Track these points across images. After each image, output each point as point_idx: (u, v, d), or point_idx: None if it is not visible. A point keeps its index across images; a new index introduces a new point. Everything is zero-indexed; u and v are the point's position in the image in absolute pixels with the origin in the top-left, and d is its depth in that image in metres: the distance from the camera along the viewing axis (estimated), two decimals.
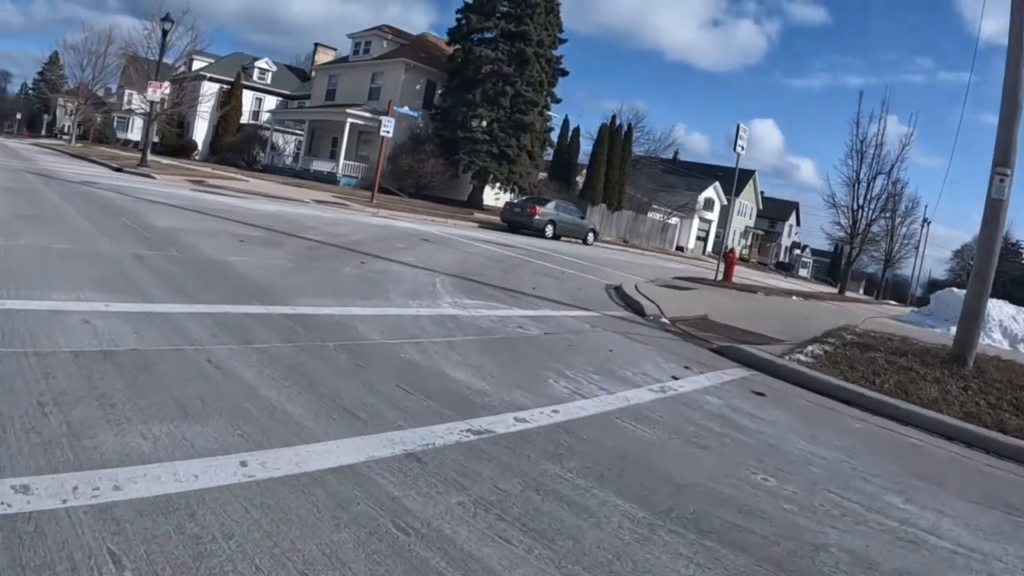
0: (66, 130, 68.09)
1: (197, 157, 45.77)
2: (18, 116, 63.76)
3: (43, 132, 62.97)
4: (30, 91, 71.70)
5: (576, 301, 8.65)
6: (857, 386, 5.83)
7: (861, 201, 26.82)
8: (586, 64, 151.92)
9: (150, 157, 28.89)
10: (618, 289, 10.78)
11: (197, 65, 48.45)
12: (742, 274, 32.20)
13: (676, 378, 5.20)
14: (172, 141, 46.52)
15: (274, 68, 52.49)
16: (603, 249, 27.91)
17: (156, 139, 51.80)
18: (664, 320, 8.45)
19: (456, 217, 26.40)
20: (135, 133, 56.40)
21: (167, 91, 24.44)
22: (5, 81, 75.97)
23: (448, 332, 5.38)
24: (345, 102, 37.79)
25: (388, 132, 24.45)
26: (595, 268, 15.02)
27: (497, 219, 28.05)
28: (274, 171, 38.20)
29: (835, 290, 34.24)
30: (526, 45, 33.18)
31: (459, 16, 34.52)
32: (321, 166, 37.37)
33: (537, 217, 26.28)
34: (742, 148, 15.83)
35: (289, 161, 41.15)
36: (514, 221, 26.97)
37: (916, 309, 24.09)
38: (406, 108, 28.32)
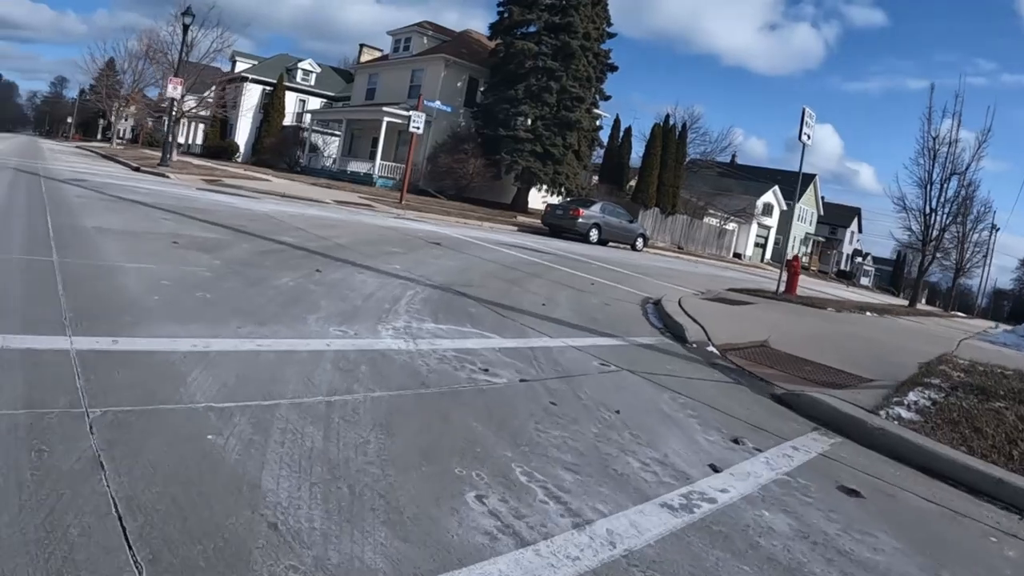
0: (120, 134, 69.02)
1: (239, 159, 45.08)
2: (69, 120, 64.66)
3: (98, 136, 63.65)
4: (86, 97, 72.94)
5: (594, 323, 6.59)
6: (992, 465, 3.69)
7: (934, 204, 23.84)
8: (640, 68, 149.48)
9: (178, 157, 27.94)
10: (657, 304, 8.68)
11: (240, 67, 47.86)
12: (803, 284, 29.45)
13: (717, 469, 3.11)
14: (215, 143, 45.95)
15: (318, 70, 51.57)
16: (653, 256, 25.67)
17: (199, 141, 51.55)
18: (711, 349, 6.34)
19: (495, 220, 24.51)
20: (188, 136, 56.36)
21: (180, 89, 23.08)
22: (62, 87, 77.45)
23: (350, 383, 3.41)
24: (384, 101, 36.36)
25: (418, 128, 22.70)
26: (635, 278, 12.89)
27: (540, 223, 26.13)
28: (312, 172, 37.03)
29: (902, 301, 31.24)
30: (571, 38, 31.11)
31: (500, 9, 32.73)
32: (358, 167, 36.01)
33: (580, 220, 24.21)
34: (808, 137, 13.47)
35: (329, 163, 39.90)
36: (556, 224, 24.97)
37: (1010, 328, 21.18)
38: (438, 102, 26.56)
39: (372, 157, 35.41)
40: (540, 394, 3.77)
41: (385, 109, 32.97)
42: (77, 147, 40.78)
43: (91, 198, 10.32)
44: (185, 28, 23.37)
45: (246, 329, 4.09)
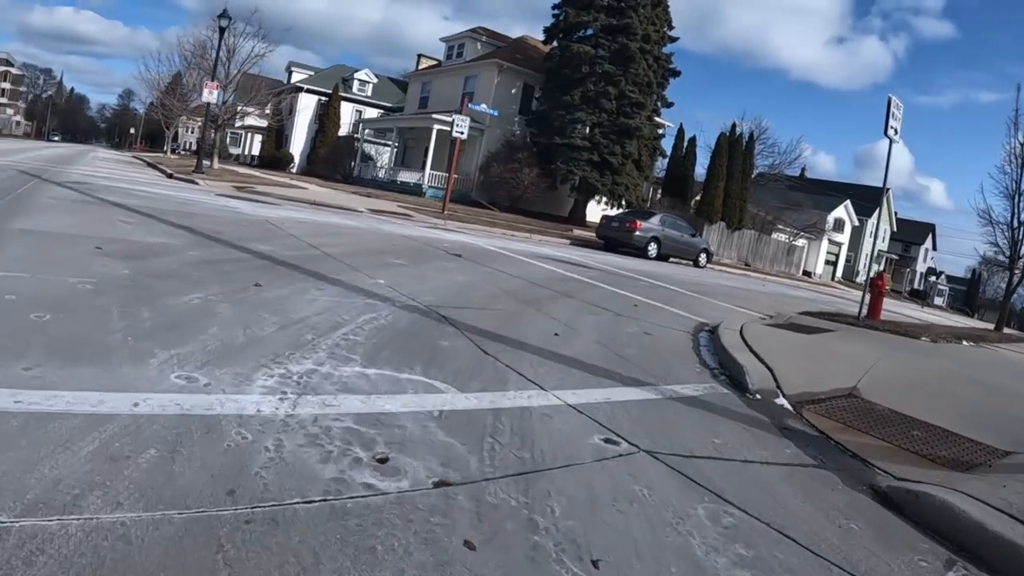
0: (185, 146, 70.25)
1: (293, 169, 44.68)
2: (131, 131, 66.18)
3: (165, 147, 64.84)
4: (152, 109, 74.84)
5: (620, 362, 4.83)
6: None
7: (1022, 217, 20.92)
8: (705, 83, 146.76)
9: (221, 165, 27.29)
10: (713, 333, 6.87)
11: (297, 77, 47.60)
12: (855, 297, 26.60)
13: None
14: (269, 153, 45.71)
15: (374, 80, 50.96)
16: (716, 273, 23.55)
17: (255, 152, 51.54)
18: (781, 402, 4.54)
19: (547, 233, 22.83)
20: (245, 147, 56.64)
21: (216, 93, 22.25)
22: (129, 99, 79.63)
23: (83, 492, 1.78)
24: (437, 109, 35.20)
25: (462, 133, 21.22)
26: (690, 298, 11.01)
27: (596, 237, 24.31)
28: (363, 183, 36.11)
29: (985, 324, 28.11)
30: (630, 40, 29.30)
31: (555, 11, 31.18)
32: (408, 177, 34.91)
33: (638, 233, 22.27)
34: (895, 131, 11.35)
35: (381, 173, 38.91)
36: (611, 238, 23.09)
37: None
38: (483, 105, 25.12)
39: (424, 167, 34.23)
40: (455, 523, 2.06)
41: (435, 116, 31.73)
42: (134, 156, 40.93)
43: (66, 200, 9.11)
44: (221, 31, 22.52)
45: (34, 372, 2.57)
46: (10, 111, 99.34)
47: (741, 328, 7.20)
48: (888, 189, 65.51)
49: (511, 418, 3.11)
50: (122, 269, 4.89)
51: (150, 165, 26.23)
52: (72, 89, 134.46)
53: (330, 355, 3.58)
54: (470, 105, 23.06)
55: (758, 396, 4.60)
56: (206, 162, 23.95)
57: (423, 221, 18.33)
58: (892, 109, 11.20)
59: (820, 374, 5.52)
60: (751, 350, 5.88)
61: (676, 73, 33.23)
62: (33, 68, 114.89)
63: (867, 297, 12.90)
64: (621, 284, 10.69)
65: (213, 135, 28.74)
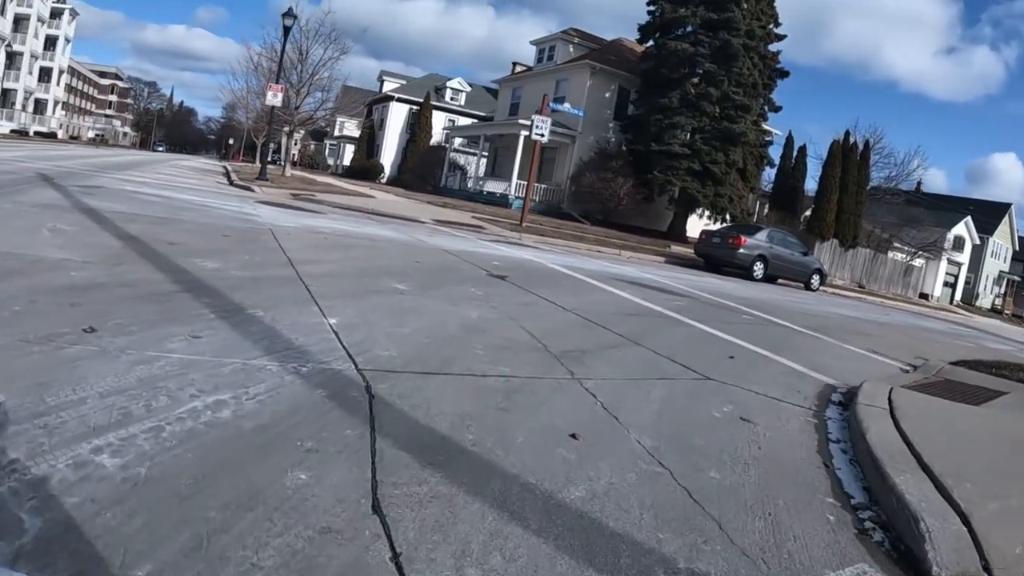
0: (290, 157, 71.30)
1: (383, 180, 43.83)
2: (230, 141, 67.83)
3: (268, 157, 66.21)
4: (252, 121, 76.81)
5: (686, 522, 2.49)
6: None
7: None
8: (810, 95, 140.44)
9: (293, 172, 26.27)
10: (847, 408, 4.44)
11: (388, 87, 46.84)
12: (995, 331, 22.53)
13: None
14: (359, 164, 45.06)
15: (467, 88, 49.59)
16: (830, 298, 20.40)
17: (346, 163, 51.13)
18: None
19: (641, 250, 20.32)
20: (338, 157, 56.60)
21: (280, 96, 21.02)
22: (233, 112, 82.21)
23: None
24: (526, 115, 33.19)
25: (542, 135, 19.01)
26: (806, 337, 8.37)
27: (695, 254, 21.59)
28: (450, 193, 34.56)
29: None
30: (732, 35, 26.37)
31: (650, 7, 28.61)
32: (495, 187, 33.00)
33: (742, 251, 19.40)
34: None
35: (470, 183, 37.22)
36: (711, 255, 20.31)
37: None
38: (567, 104, 22.85)
39: (511, 176, 32.24)
40: None
41: (521, 122, 29.67)
42: (225, 165, 40.93)
43: (26, 204, 7.53)
44: (286, 31, 21.30)
45: None
46: (117, 122, 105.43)
47: (889, 401, 4.67)
48: (1010, 205, 59.14)
49: None
50: None
51: (225, 173, 25.47)
52: (182, 102, 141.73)
53: None
54: (551, 104, 20.79)
55: None
56: (277, 169, 22.84)
57: (493, 234, 16.29)
58: None
59: None
60: (917, 458, 3.38)
61: (784, 73, 29.96)
62: (138, 81, 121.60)
63: None
64: (715, 318, 8.19)
65: (285, 141, 27.81)
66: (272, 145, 59.33)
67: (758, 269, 19.68)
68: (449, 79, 49.59)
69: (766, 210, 35.44)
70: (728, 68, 26.63)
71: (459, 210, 22.57)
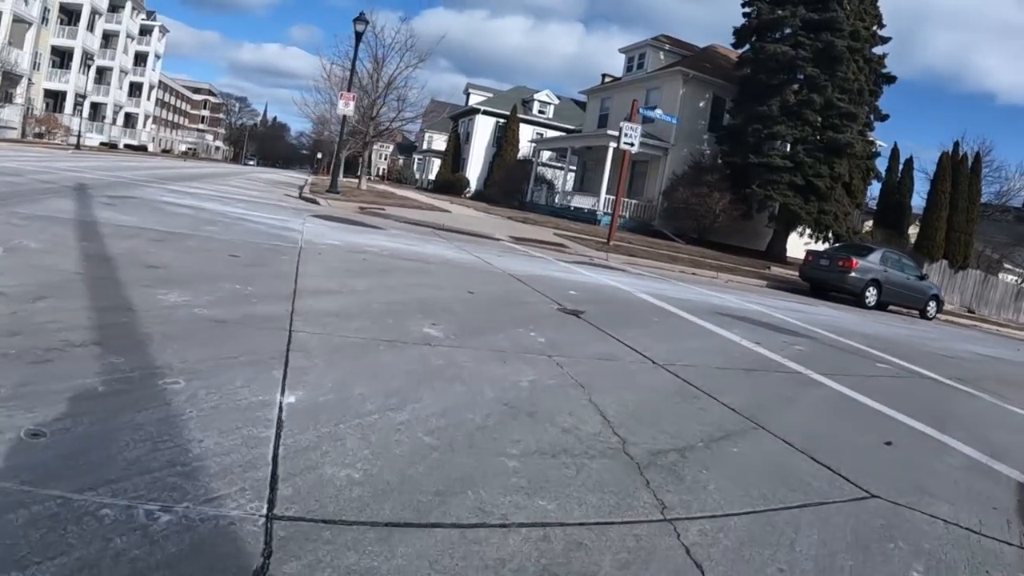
0: (378, 172, 72.46)
1: (468, 195, 43.24)
2: (318, 155, 69.43)
3: (357, 172, 67.50)
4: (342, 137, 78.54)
5: None
6: None
7: None
8: (908, 108, 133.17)
9: (369, 185, 25.76)
10: None
11: (475, 100, 46.27)
12: None
13: None
14: (445, 178, 44.64)
15: (556, 101, 48.52)
16: (950, 327, 18.26)
17: (431, 177, 50.88)
18: None
19: (739, 272, 18.67)
20: (425, 172, 56.55)
21: (351, 105, 20.41)
22: (324, 127, 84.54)
23: None
24: (616, 126, 31.78)
25: (632, 144, 17.62)
26: (959, 395, 6.74)
27: (799, 277, 19.70)
28: (536, 209, 33.49)
29: None
30: (835, 37, 24.26)
31: (745, 9, 26.75)
32: (583, 202, 31.69)
33: (854, 274, 17.52)
34: None
35: (556, 198, 35.97)
36: (818, 279, 18.50)
37: None
38: (658, 111, 21.33)
39: (600, 191, 30.81)
40: None
41: (610, 133, 28.26)
42: (305, 178, 41.18)
43: (49, 219, 6.79)
44: (358, 36, 20.68)
45: None
46: (209, 137, 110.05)
47: None
48: None
49: None
50: None
51: (300, 187, 25.24)
52: (275, 118, 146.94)
53: None
54: (642, 110, 19.34)
55: None
56: (352, 182, 22.25)
57: (575, 254, 15.04)
58: None
59: None
60: None
61: (891, 79, 27.49)
62: (230, 96, 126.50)
63: None
64: (847, 370, 6.67)
65: (364, 153, 27.38)
66: (360, 159, 60.11)
67: (871, 295, 17.73)
68: (536, 91, 48.65)
69: (870, 227, 32.93)
70: (831, 72, 24.52)
71: (541, 226, 21.42)
